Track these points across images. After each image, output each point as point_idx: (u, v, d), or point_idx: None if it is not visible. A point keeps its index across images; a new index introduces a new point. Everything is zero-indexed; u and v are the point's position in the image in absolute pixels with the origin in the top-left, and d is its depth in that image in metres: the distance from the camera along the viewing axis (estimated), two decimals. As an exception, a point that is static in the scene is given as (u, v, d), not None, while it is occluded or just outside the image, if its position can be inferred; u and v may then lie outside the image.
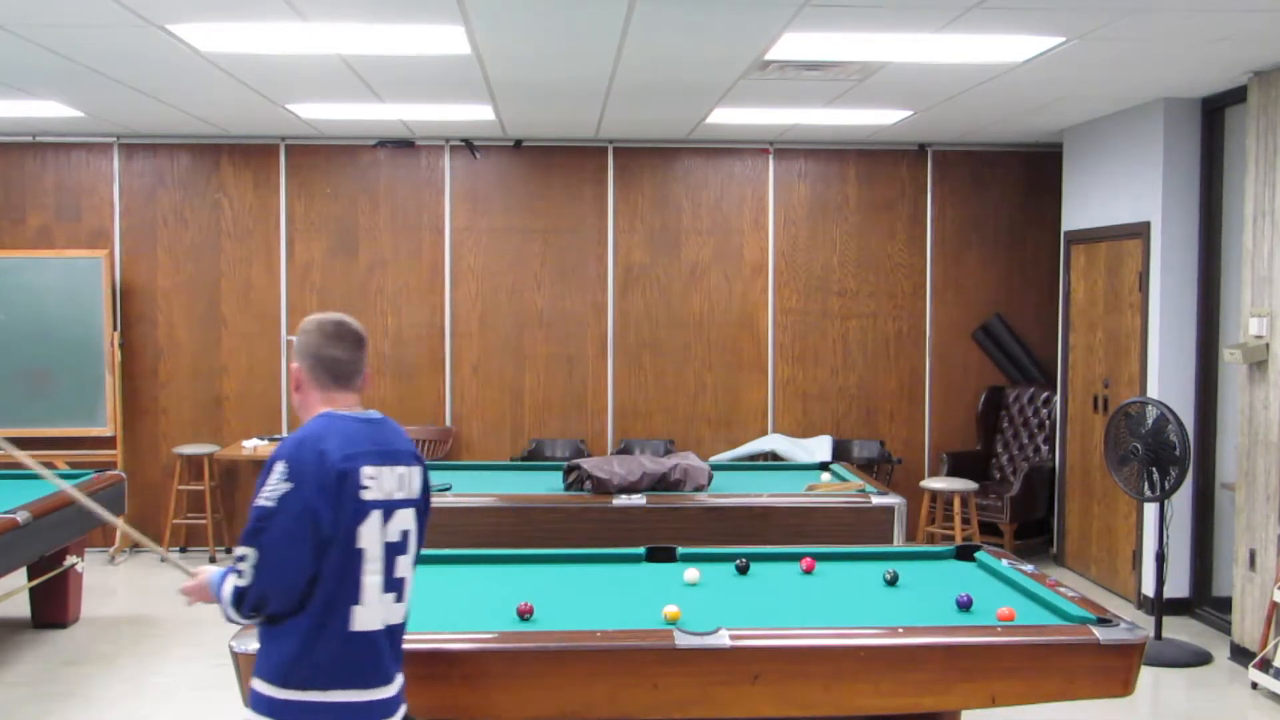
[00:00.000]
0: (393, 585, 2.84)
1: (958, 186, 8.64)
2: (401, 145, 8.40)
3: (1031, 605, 3.81)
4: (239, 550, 2.71)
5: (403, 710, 2.91)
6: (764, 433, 8.54)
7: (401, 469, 2.86)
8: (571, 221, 8.47)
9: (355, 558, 2.76)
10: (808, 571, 4.27)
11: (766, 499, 5.56)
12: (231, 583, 2.72)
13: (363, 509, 2.76)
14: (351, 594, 2.76)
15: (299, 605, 2.72)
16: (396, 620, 2.88)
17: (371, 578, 2.79)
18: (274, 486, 2.70)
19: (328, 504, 2.70)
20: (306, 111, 7.15)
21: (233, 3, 4.51)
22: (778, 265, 8.56)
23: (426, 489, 2.97)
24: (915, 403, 8.66)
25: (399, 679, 2.89)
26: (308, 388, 2.89)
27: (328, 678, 2.75)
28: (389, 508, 2.82)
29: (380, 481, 2.80)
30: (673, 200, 8.52)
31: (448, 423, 8.42)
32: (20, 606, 6.41)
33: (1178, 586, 6.71)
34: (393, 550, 2.83)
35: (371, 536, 2.78)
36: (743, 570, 4.23)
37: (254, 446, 7.86)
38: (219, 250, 8.34)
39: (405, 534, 2.86)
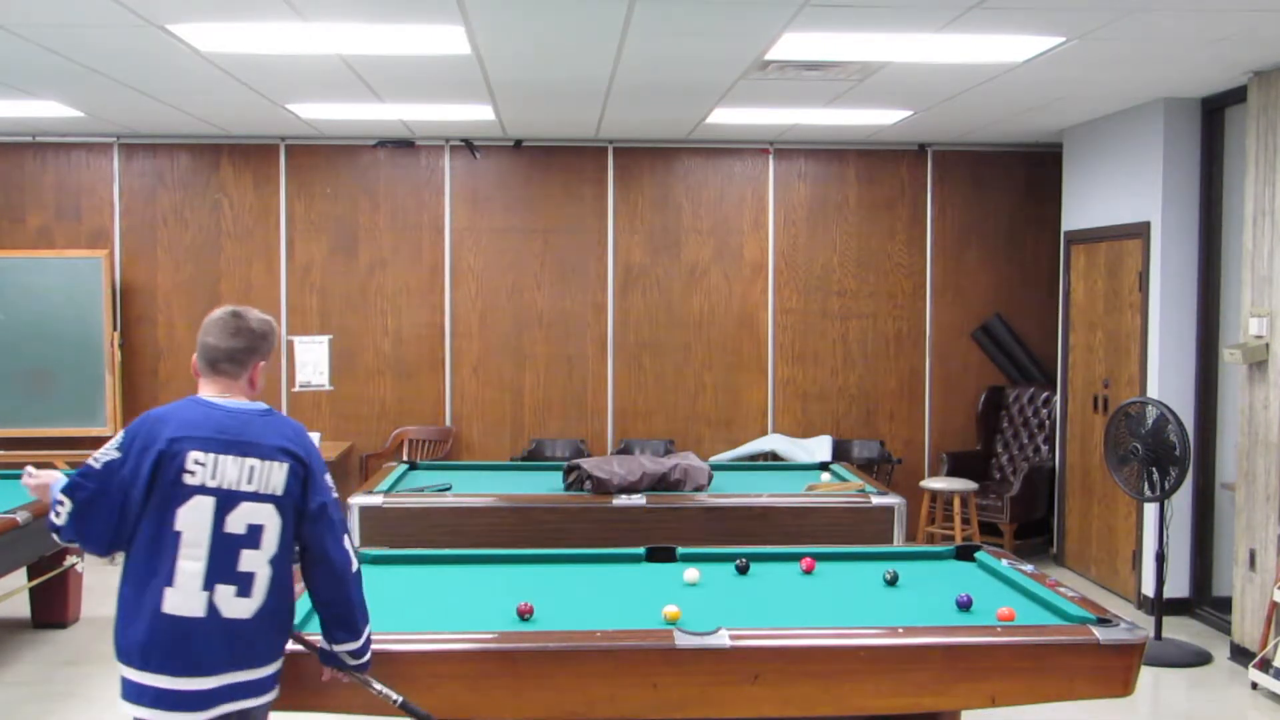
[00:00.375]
0: (232, 578, 2.83)
1: (958, 186, 8.64)
2: (401, 145, 8.40)
3: (1031, 605, 3.81)
4: (60, 494, 2.84)
5: (224, 709, 2.86)
6: (764, 433, 8.54)
7: (253, 462, 2.86)
8: (571, 221, 8.47)
9: (170, 539, 2.80)
10: (808, 571, 4.27)
11: (766, 499, 5.56)
12: (50, 515, 2.87)
13: (183, 492, 2.81)
14: (164, 574, 2.79)
15: (121, 554, 2.87)
16: (239, 615, 2.84)
17: (189, 563, 2.80)
18: (106, 451, 2.85)
19: (142, 481, 2.79)
20: (306, 111, 7.15)
21: (233, 3, 4.51)
22: (778, 265, 8.56)
23: (301, 488, 2.92)
24: (915, 403, 8.66)
25: (227, 677, 2.85)
26: (197, 372, 3.02)
27: (140, 658, 2.79)
28: (227, 497, 2.83)
29: (214, 469, 2.83)
30: (673, 200, 8.52)
31: (448, 423, 8.42)
32: (20, 606, 6.41)
33: (1178, 586, 6.71)
34: (233, 541, 2.83)
35: (193, 521, 2.81)
36: (743, 570, 4.22)
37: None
38: (219, 250, 8.34)
39: (255, 529, 2.85)
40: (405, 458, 7.69)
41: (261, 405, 2.99)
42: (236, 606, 2.83)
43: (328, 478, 3.00)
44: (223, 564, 2.82)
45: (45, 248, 8.20)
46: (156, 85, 6.30)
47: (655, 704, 3.29)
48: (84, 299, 7.99)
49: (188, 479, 2.81)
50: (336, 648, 3.03)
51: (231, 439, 2.86)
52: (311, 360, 8.35)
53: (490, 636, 3.37)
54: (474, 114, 7.25)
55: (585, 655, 3.28)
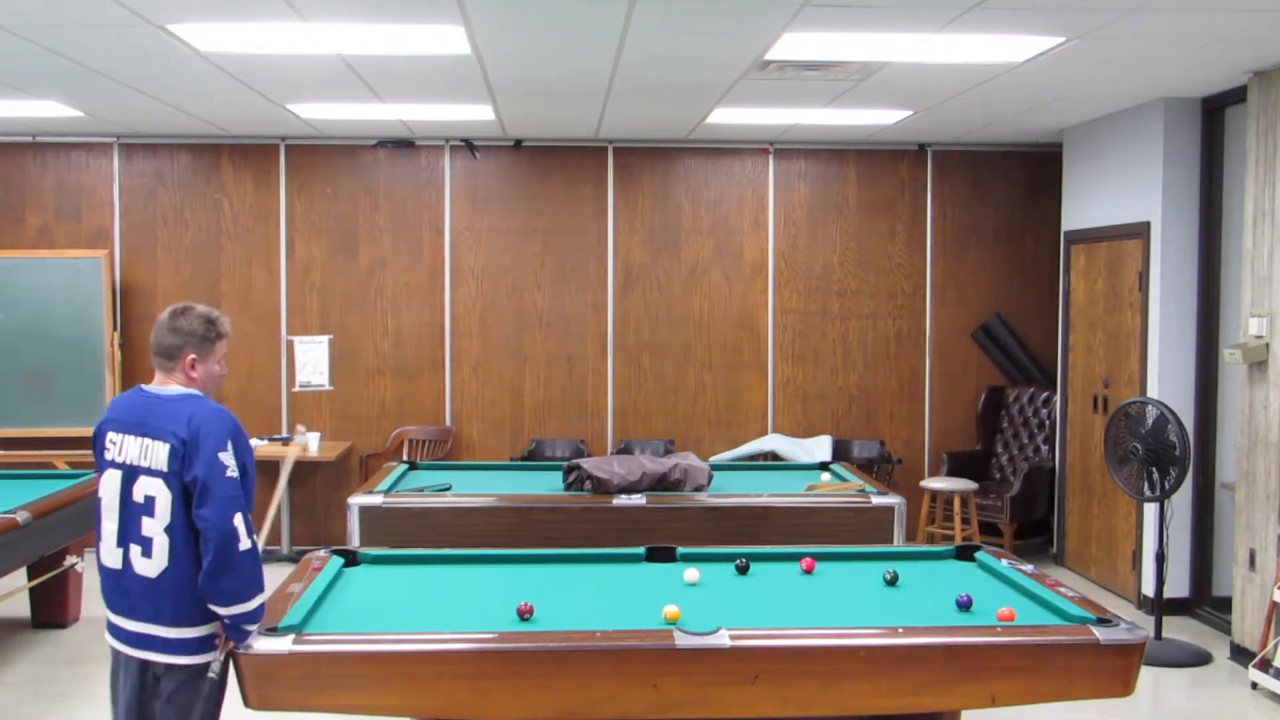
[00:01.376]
0: (138, 540, 3.27)
1: (958, 186, 8.64)
2: (401, 145, 8.40)
3: (1031, 605, 3.80)
4: None
5: (143, 654, 3.29)
6: (764, 433, 8.54)
7: (148, 441, 3.28)
8: (571, 221, 8.47)
9: (98, 503, 3.36)
10: (808, 571, 4.27)
11: (766, 499, 5.56)
12: None
13: (103, 464, 3.37)
14: (99, 532, 3.36)
15: None
16: (146, 573, 3.26)
17: (108, 524, 3.33)
18: None
19: (95, 452, 3.43)
20: (306, 111, 7.15)
21: (233, 3, 4.51)
22: (778, 265, 8.56)
23: (180, 465, 3.22)
24: (915, 403, 8.66)
25: (141, 625, 3.29)
26: None
27: (103, 593, 3.40)
28: (130, 471, 3.29)
29: (121, 446, 3.33)
30: (673, 200, 8.52)
31: (448, 423, 8.42)
32: (20, 606, 6.42)
33: (1178, 586, 6.72)
34: (136, 509, 3.27)
35: (108, 489, 3.33)
36: (743, 570, 4.22)
37: (254, 446, 7.84)
38: (219, 250, 8.34)
39: (150, 499, 3.25)
40: (405, 458, 7.69)
41: (183, 391, 3.35)
42: (143, 565, 3.27)
43: (222, 456, 3.21)
44: (130, 527, 3.29)
45: (45, 248, 8.20)
46: (156, 85, 6.30)
47: (655, 704, 3.29)
48: (84, 299, 7.99)
49: (106, 454, 3.36)
50: (211, 603, 3.24)
51: (136, 420, 3.32)
52: (311, 360, 8.35)
53: (490, 636, 3.37)
54: (474, 114, 7.25)
55: (585, 655, 3.28)
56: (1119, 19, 4.72)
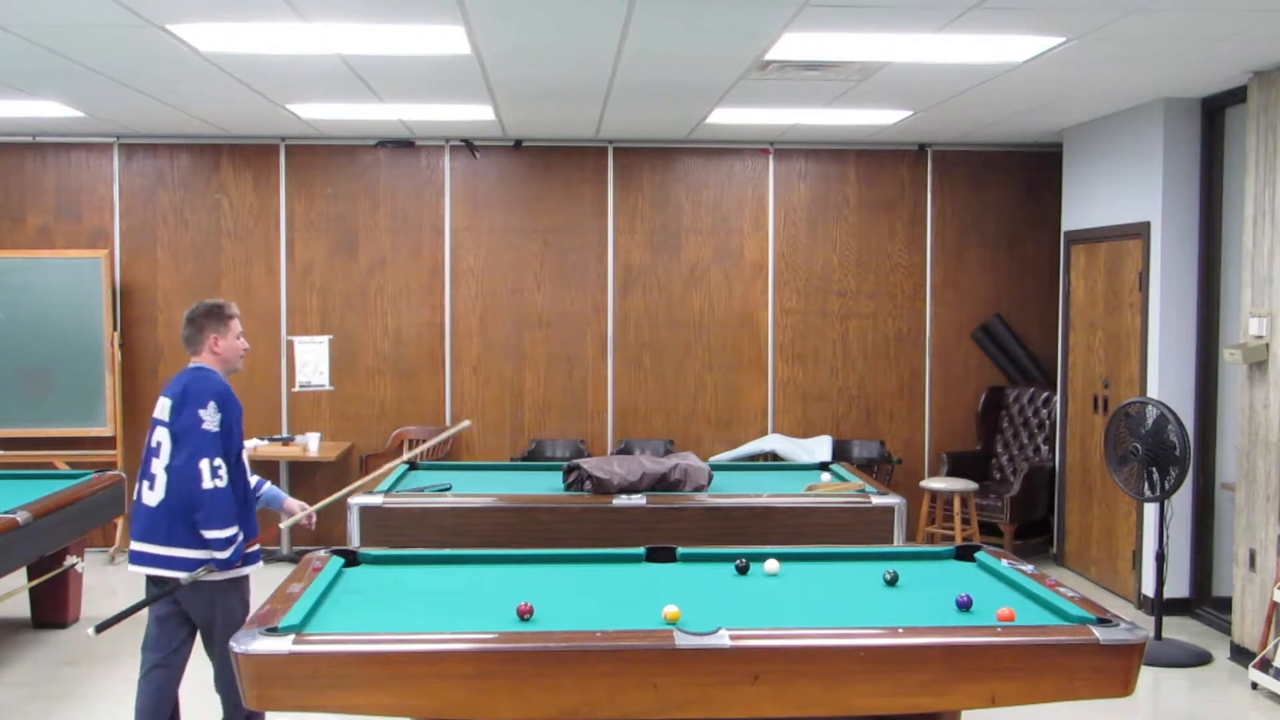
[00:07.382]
0: (147, 476, 4.16)
1: (958, 186, 8.64)
2: (401, 145, 8.40)
3: (1031, 605, 3.80)
4: None
5: (146, 570, 4.20)
6: (764, 433, 8.54)
7: (161, 399, 4.20)
8: (571, 221, 8.47)
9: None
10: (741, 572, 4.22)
11: (766, 499, 5.56)
12: None
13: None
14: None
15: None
16: (149, 503, 4.14)
17: (144, 465, 4.20)
18: None
19: None
20: (306, 111, 7.15)
21: (233, 3, 4.51)
22: (778, 265, 8.56)
23: (171, 414, 4.12)
24: (915, 403, 8.66)
25: (142, 546, 4.18)
26: None
27: None
28: (154, 423, 4.20)
29: (158, 404, 4.19)
30: (673, 200, 8.52)
31: (448, 422, 8.42)
32: (20, 606, 6.41)
33: (1178, 586, 6.72)
34: (150, 452, 4.17)
35: (149, 438, 4.23)
36: (743, 570, 4.22)
37: (254, 446, 7.86)
38: (219, 250, 8.34)
39: (159, 445, 4.15)
40: (405, 458, 7.67)
41: (198, 364, 4.23)
42: (148, 496, 4.15)
43: (202, 412, 4.06)
44: (145, 466, 4.18)
45: (45, 248, 8.20)
46: (156, 85, 6.30)
47: (656, 704, 3.28)
48: (84, 299, 7.99)
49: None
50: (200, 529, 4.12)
51: (167, 388, 4.23)
52: (311, 360, 8.35)
53: (490, 636, 3.36)
54: (474, 114, 7.25)
55: (585, 655, 3.28)
56: (1119, 19, 4.73)
